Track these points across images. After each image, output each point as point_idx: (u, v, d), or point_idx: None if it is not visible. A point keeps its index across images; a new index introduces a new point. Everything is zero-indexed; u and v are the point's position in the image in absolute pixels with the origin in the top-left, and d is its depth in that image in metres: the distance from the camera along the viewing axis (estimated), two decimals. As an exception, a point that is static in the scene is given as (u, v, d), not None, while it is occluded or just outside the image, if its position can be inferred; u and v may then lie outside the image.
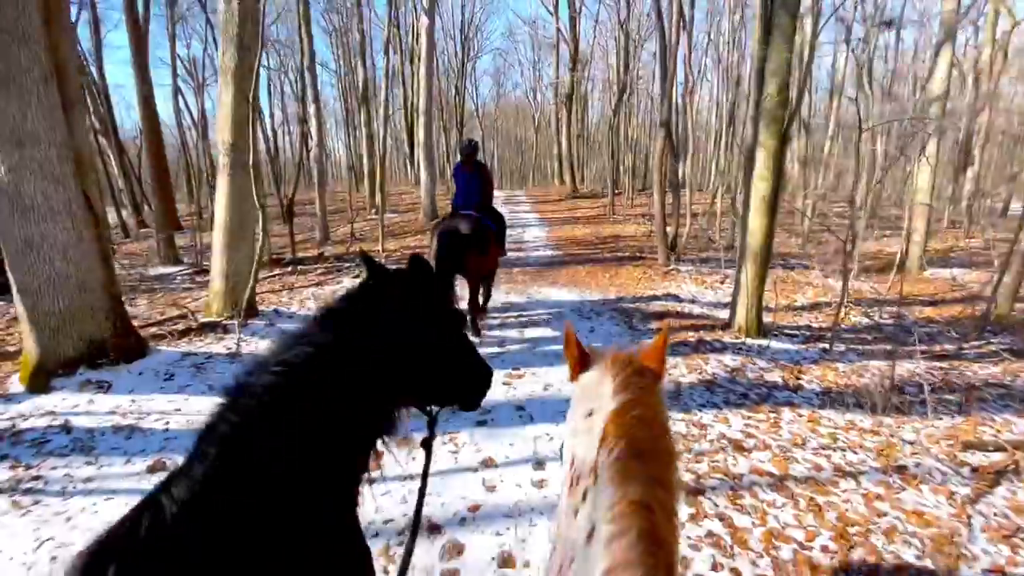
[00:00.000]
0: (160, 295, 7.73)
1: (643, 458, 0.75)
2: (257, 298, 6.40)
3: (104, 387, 3.77)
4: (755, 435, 3.29)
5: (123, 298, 7.40)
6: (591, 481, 0.77)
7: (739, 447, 3.14)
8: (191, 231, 16.87)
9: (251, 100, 5.00)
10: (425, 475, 1.39)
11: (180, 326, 5.22)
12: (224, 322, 5.21)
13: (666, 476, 0.77)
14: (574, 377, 1.03)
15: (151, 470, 2.95)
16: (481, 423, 3.45)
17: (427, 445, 1.43)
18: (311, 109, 14.12)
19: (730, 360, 4.60)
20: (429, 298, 1.29)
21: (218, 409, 1.01)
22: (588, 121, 31.23)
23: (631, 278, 7.87)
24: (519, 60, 42.55)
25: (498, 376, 4.01)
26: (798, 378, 4.37)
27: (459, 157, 5.38)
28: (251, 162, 5.02)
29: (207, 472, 0.91)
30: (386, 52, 19.64)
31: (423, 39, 15.16)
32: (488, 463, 2.99)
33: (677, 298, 6.79)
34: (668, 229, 8.87)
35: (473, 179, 5.32)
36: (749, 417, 3.53)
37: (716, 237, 11.21)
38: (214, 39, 24.95)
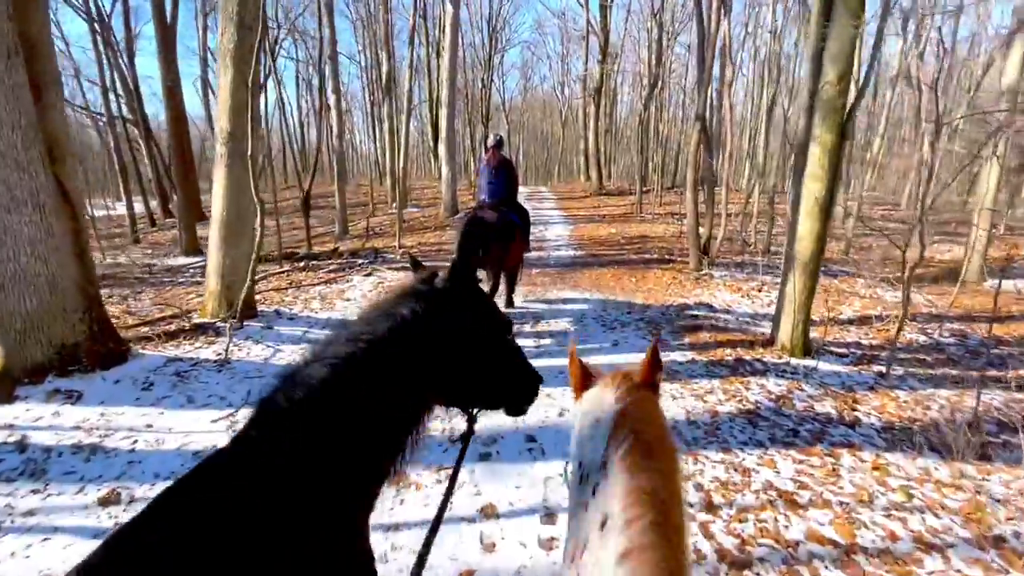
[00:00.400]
0: (168, 288, 7.48)
1: (651, 453, 0.79)
2: (259, 297, 6.06)
3: (73, 397, 3.43)
4: (810, 486, 2.75)
5: (129, 292, 7.23)
6: (601, 478, 0.79)
7: (791, 502, 2.61)
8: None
9: (250, 85, 4.61)
10: (457, 467, 1.43)
11: (172, 326, 4.89)
12: (218, 324, 4.86)
13: (673, 471, 0.80)
14: (578, 396, 1.06)
15: (103, 503, 2.57)
16: (485, 456, 2.99)
17: (465, 439, 1.44)
18: (331, 100, 13.84)
19: (774, 385, 4.04)
20: (475, 301, 1.32)
21: (267, 396, 1.05)
22: (617, 116, 30.42)
23: (660, 283, 7.30)
24: (547, 53, 41.99)
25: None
26: (853, 409, 3.79)
27: (484, 152, 5.39)
28: (249, 152, 4.64)
29: (242, 455, 0.96)
30: (411, 42, 19.27)
31: (447, 29, 14.70)
32: (488, 512, 2.52)
33: (711, 307, 6.21)
34: (700, 230, 8.26)
35: (498, 174, 5.28)
36: (801, 461, 2.99)
37: (752, 240, 10.53)
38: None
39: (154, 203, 19.93)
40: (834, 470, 2.90)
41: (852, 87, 4.44)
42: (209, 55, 22.69)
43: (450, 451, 3.05)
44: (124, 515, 2.49)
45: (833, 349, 5.04)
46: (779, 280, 7.77)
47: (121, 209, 20.57)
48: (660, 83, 17.78)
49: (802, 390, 4.00)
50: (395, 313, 1.16)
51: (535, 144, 45.05)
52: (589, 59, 23.40)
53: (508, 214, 5.05)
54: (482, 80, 29.26)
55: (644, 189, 15.94)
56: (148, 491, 2.66)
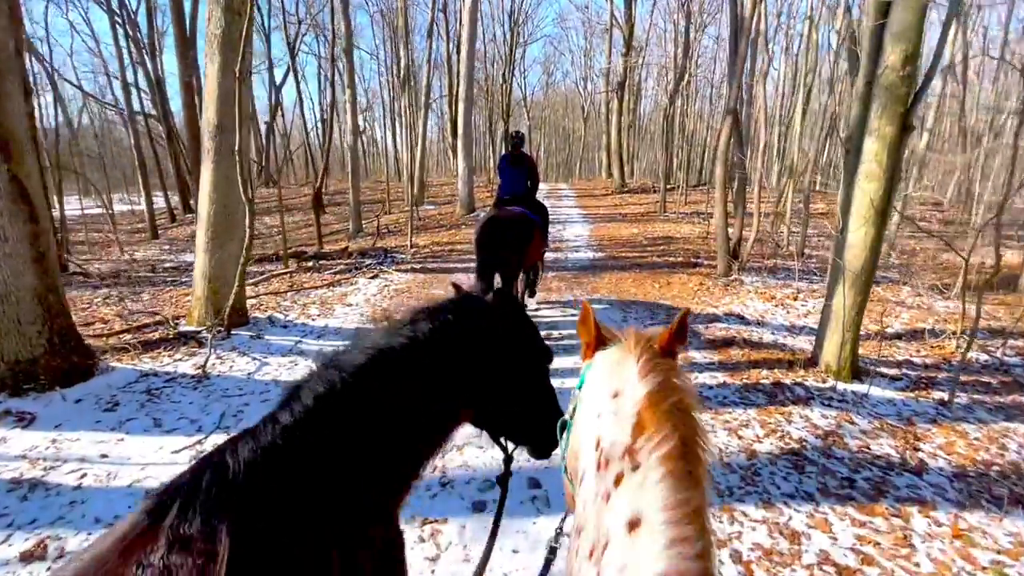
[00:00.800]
0: (169, 289, 7.21)
1: (688, 455, 0.72)
2: (254, 301, 5.71)
3: (25, 420, 3.08)
4: (876, 560, 2.22)
5: (129, 292, 6.97)
6: (627, 466, 0.74)
7: (855, 583, 2.09)
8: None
9: (238, 74, 4.21)
10: (499, 513, 1.38)
11: (156, 334, 4.55)
12: (203, 333, 4.50)
13: (702, 473, 0.74)
14: (589, 356, 0.99)
15: (25, 558, 2.18)
16: (478, 507, 2.53)
17: (503, 482, 1.41)
18: (346, 95, 13.52)
19: (820, 417, 3.49)
20: (517, 321, 1.34)
21: (303, 380, 1.05)
22: (640, 112, 29.63)
23: (685, 290, 6.75)
24: (569, 48, 41.20)
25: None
26: (916, 448, 3.23)
27: (505, 148, 5.14)
28: (237, 146, 4.25)
29: (271, 443, 0.93)
30: (429, 35, 18.89)
31: (465, 19, 14.24)
32: (476, 587, 2.07)
33: (742, 319, 5.65)
34: (729, 231, 7.66)
35: (518, 171, 5.28)
36: (863, 523, 2.46)
37: (784, 242, 9.87)
38: (265, 24, 24.90)
39: (176, 199, 19.97)
40: (905, 537, 2.37)
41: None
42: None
43: (439, 496, 2.61)
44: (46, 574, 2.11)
45: (883, 370, 4.46)
46: (816, 287, 7.17)
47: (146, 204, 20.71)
48: (687, 75, 17.05)
49: (853, 423, 3.45)
50: (438, 315, 1.18)
51: (556, 141, 44.40)
52: (612, 52, 22.74)
53: (527, 212, 4.95)
54: (503, 75, 28.74)
55: (668, 187, 15.30)
56: (83, 541, 2.27)
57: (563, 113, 42.39)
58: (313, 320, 5.30)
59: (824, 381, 4.09)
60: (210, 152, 4.45)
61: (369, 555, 1.03)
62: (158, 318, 4.84)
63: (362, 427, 1.02)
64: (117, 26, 17.63)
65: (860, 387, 4.04)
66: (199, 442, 3.02)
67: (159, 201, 20.12)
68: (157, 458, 2.86)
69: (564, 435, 1.00)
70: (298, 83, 29.21)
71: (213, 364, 4.02)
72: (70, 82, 24.95)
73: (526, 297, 5.70)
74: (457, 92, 19.82)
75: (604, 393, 0.86)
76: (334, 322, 5.26)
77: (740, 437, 3.20)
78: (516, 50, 29.44)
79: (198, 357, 4.11)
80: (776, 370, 4.25)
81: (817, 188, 16.76)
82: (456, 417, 1.24)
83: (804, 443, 3.14)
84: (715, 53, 26.13)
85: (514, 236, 4.59)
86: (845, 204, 3.98)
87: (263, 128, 26.68)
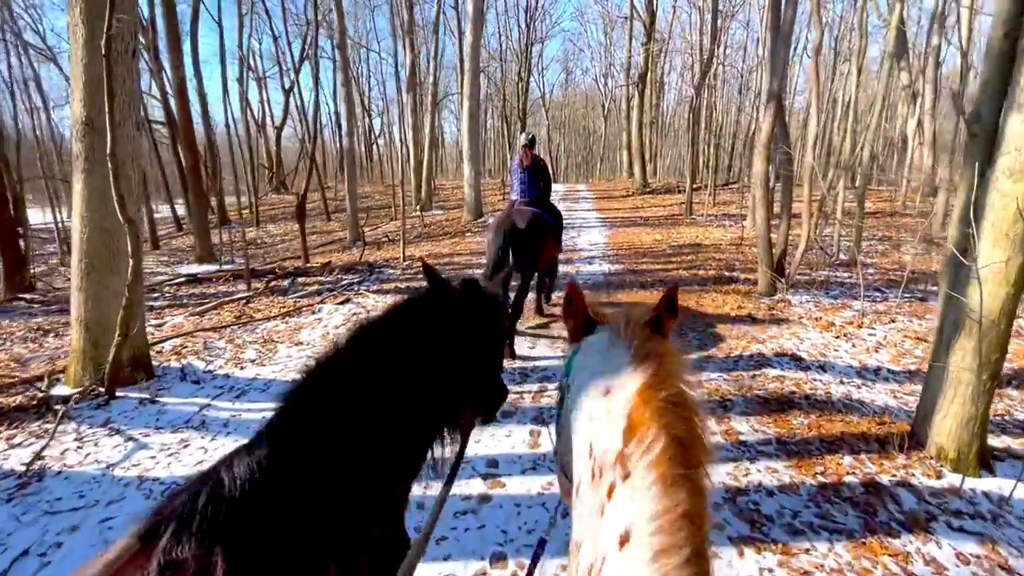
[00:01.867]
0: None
1: (683, 458, 0.66)
2: (179, 341, 4.62)
3: None
4: None
5: (60, 322, 5.98)
6: (619, 476, 0.68)
7: None
8: (239, 226, 16.02)
9: (104, 50, 3.08)
10: (464, 443, 1.36)
11: (18, 398, 3.46)
12: (75, 399, 3.38)
13: (701, 477, 0.68)
14: (576, 339, 0.95)
15: None
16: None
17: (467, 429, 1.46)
18: (340, 93, 12.52)
19: (956, 563, 2.16)
20: (483, 316, 1.34)
21: (291, 394, 1.06)
22: (664, 108, 28.10)
23: (720, 316, 5.41)
24: (588, 44, 39.87)
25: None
26: None
27: (517, 150, 5.35)
28: (109, 148, 3.13)
29: (265, 460, 0.93)
30: (435, 32, 17.84)
31: (469, 9, 13.05)
32: None
33: (797, 360, 4.30)
34: (772, 236, 6.26)
35: (530, 173, 5.18)
36: None
37: (834, 249, 8.39)
38: (271, 29, 24.21)
39: (182, 207, 19.50)
40: None
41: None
42: (251, 56, 22.03)
43: None
44: None
45: (1011, 443, 3.10)
46: (881, 307, 5.74)
47: (165, 211, 20.44)
48: (714, 63, 15.54)
49: (1011, 572, 2.12)
50: (409, 318, 1.21)
51: (576, 140, 43.03)
52: (633, 43, 21.32)
53: (539, 215, 4.84)
54: (519, 74, 27.52)
55: (694, 186, 13.85)
56: None
57: (583, 112, 41.02)
58: (242, 369, 4.15)
59: (939, 475, 2.75)
60: (79, 158, 3.34)
61: (369, 560, 1.01)
62: (46, 370, 3.73)
63: (354, 435, 1.01)
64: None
65: (993, 483, 2.70)
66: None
67: (166, 210, 19.80)
68: None
69: (553, 427, 0.92)
70: (299, 85, 28.39)
71: (65, 450, 2.90)
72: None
73: (543, 303, 5.57)
74: (461, 89, 18.66)
75: (596, 391, 0.80)
76: (268, 371, 4.11)
77: (832, 614, 1.90)
78: (532, 47, 28.21)
79: (59, 436, 2.98)
80: (863, 455, 2.92)
81: (879, 186, 15.08)
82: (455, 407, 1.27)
83: (947, 634, 1.83)
84: (743, 42, 24.48)
85: (525, 237, 4.52)
86: (975, 213, 2.63)
87: (273, 133, 26.17)
